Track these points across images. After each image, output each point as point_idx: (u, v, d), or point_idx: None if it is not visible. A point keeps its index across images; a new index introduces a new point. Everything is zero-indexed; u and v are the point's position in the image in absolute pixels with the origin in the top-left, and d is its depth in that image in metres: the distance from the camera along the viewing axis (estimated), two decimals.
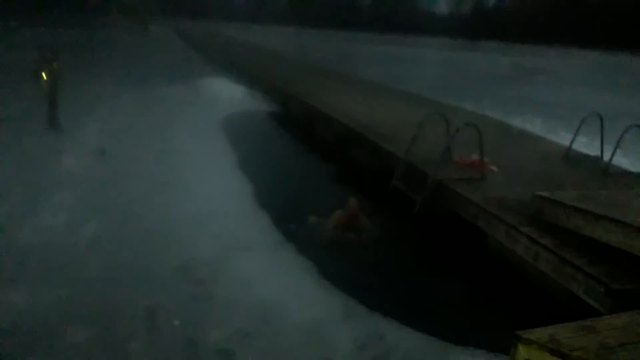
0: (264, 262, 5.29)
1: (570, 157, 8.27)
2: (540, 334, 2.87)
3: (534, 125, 13.74)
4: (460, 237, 6.13)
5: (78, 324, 4.21)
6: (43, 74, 9.70)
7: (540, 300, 4.80)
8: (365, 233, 6.20)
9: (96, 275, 4.89)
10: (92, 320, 4.25)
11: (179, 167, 8.21)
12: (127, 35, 44.87)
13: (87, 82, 15.87)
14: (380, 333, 4.31)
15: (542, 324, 3.18)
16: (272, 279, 4.93)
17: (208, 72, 21.66)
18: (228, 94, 16.26)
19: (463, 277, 5.50)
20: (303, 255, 5.51)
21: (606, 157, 7.83)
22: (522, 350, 2.83)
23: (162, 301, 4.54)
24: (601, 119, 8.08)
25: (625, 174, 7.60)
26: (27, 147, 8.57)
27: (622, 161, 8.43)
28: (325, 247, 5.92)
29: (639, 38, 71.79)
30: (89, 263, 5.11)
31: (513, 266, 5.29)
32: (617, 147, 7.34)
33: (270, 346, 4.03)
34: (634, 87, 30.11)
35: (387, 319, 4.50)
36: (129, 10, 63.62)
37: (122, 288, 4.71)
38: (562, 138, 10.26)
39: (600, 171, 7.57)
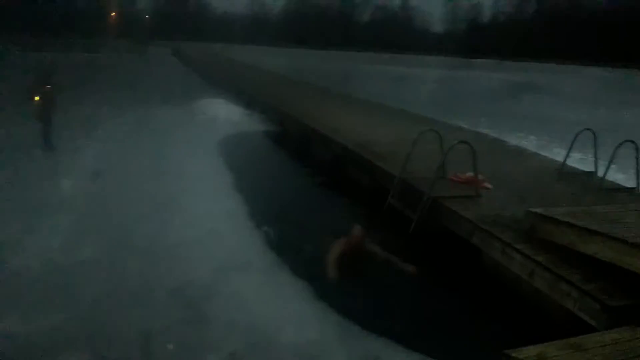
0: (259, 283, 5.27)
1: (564, 173, 8.30)
2: (528, 352, 2.87)
3: (529, 142, 13.84)
4: (456, 255, 6.12)
5: (71, 348, 4.19)
6: (36, 98, 9.82)
7: (537, 317, 4.77)
8: (371, 263, 5.88)
9: (90, 298, 4.88)
10: (85, 345, 4.23)
11: (175, 188, 8.21)
12: (125, 57, 45.29)
13: (84, 104, 16.00)
14: (375, 354, 4.28)
15: (539, 341, 3.17)
16: (266, 301, 4.91)
17: (205, 92, 21.79)
18: (225, 115, 16.34)
19: (459, 295, 5.46)
20: (298, 276, 5.49)
21: (600, 173, 7.86)
22: None
23: (156, 324, 4.51)
24: (594, 135, 8.13)
25: (619, 189, 7.62)
26: (22, 169, 8.60)
27: (617, 176, 8.45)
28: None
29: (633, 54, 72.67)
30: (83, 286, 5.09)
31: (509, 283, 5.28)
32: (610, 162, 7.37)
33: None
34: (628, 102, 30.32)
35: (382, 339, 4.47)
36: (127, 32, 64.37)
37: (116, 311, 4.69)
38: (557, 154, 10.31)
39: (594, 187, 7.59)
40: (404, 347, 4.36)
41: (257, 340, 4.29)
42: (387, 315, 4.96)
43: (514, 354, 2.85)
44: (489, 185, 7.17)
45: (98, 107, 15.68)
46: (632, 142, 7.42)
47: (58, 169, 8.93)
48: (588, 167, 8.64)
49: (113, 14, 68.75)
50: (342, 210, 8.35)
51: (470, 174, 7.01)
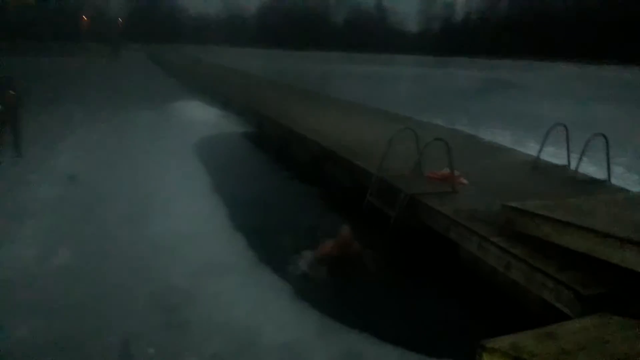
0: (239, 285, 5.25)
1: (538, 167, 8.46)
2: (502, 342, 2.93)
3: (504, 137, 14.04)
4: (434, 250, 6.19)
5: (49, 356, 4.12)
6: None
7: (514, 308, 4.86)
8: (358, 264, 5.83)
9: (68, 305, 4.80)
10: (64, 353, 4.16)
11: (152, 192, 8.13)
12: (98, 60, 44.63)
13: (56, 109, 15.72)
14: (357, 350, 4.30)
15: (517, 331, 3.23)
16: (247, 302, 4.89)
17: (181, 95, 21.60)
18: (201, 117, 16.24)
19: (438, 290, 5.53)
20: (278, 276, 5.49)
21: (573, 166, 8.04)
22: (486, 359, 2.88)
23: (135, 329, 4.46)
24: (566, 129, 8.30)
25: (591, 181, 7.80)
26: None
27: (589, 169, 8.64)
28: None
29: (604, 50, 74.43)
30: (60, 293, 5.01)
31: (486, 276, 5.36)
32: (582, 155, 7.54)
33: None
34: (599, 97, 31.02)
35: (364, 335, 4.50)
36: (100, 36, 63.42)
37: (94, 318, 4.62)
38: (531, 149, 10.50)
39: (567, 180, 7.75)
40: (385, 343, 4.40)
41: (238, 342, 4.28)
42: (368, 312, 5.00)
43: (489, 344, 2.91)
44: (465, 181, 7.27)
45: (70, 112, 15.42)
46: (603, 135, 7.61)
47: (30, 174, 8.75)
48: (561, 160, 8.82)
49: (85, 17, 67.69)
50: (321, 209, 8.37)
51: (446, 170, 7.10)
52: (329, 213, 8.17)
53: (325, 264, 5.65)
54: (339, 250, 5.77)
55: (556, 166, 8.73)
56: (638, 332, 3.12)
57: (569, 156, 8.47)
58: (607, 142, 7.67)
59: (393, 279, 5.78)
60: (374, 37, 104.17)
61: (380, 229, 6.61)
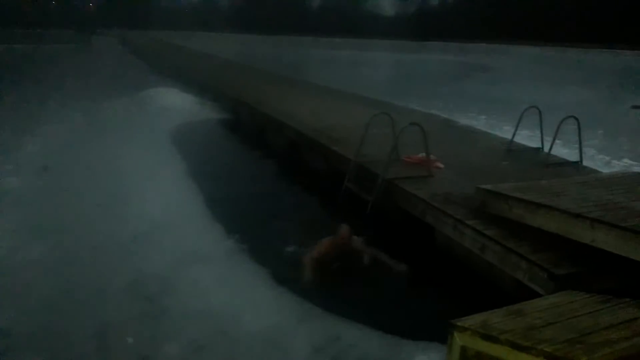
0: (217, 272, 5.22)
1: (513, 150, 8.59)
2: (473, 320, 2.99)
3: (479, 121, 14.21)
4: (411, 234, 6.26)
5: (25, 350, 4.06)
6: None
7: (489, 289, 4.95)
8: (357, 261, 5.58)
9: (43, 297, 4.73)
10: (39, 346, 4.10)
11: (127, 180, 8.02)
12: (69, 47, 43.54)
13: (28, 98, 15.34)
14: (336, 334, 4.34)
15: None
16: (225, 289, 4.87)
17: (155, 82, 21.23)
18: (176, 104, 16.01)
19: (415, 272, 5.59)
20: (256, 263, 5.49)
21: (547, 148, 8.18)
22: (457, 337, 2.95)
23: (113, 320, 4.43)
24: (539, 112, 8.42)
25: (564, 163, 7.94)
26: None
27: (562, 151, 8.81)
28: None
29: (577, 33, 75.60)
30: (35, 285, 4.93)
31: (462, 259, 5.45)
32: (555, 138, 7.66)
33: (225, 357, 4.00)
34: (571, 80, 31.52)
35: (343, 319, 4.54)
36: (70, 22, 61.82)
37: (70, 310, 4.56)
38: (506, 132, 10.63)
39: (540, 162, 7.88)
40: (363, 326, 4.44)
41: (217, 328, 4.27)
42: (346, 296, 5.04)
43: (459, 323, 2.97)
44: (441, 165, 7.34)
45: (40, 101, 15.06)
46: (575, 118, 7.74)
47: (3, 165, 8.54)
48: (535, 143, 8.96)
49: (55, 2, 65.84)
50: (299, 195, 8.38)
51: (422, 154, 7.16)
52: (306, 200, 8.18)
53: (323, 262, 5.41)
54: (338, 248, 5.52)
55: (530, 149, 8.86)
56: (602, 307, 3.22)
57: (542, 139, 8.61)
58: (579, 124, 7.81)
59: (371, 262, 5.81)
60: (350, 21, 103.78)
61: (358, 214, 6.64)
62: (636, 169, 9.05)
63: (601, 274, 4.22)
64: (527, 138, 9.60)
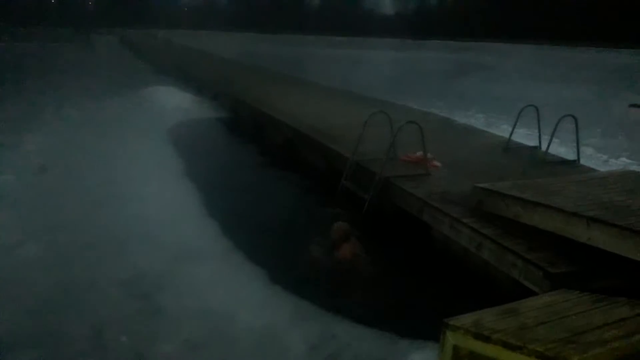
0: (213, 270, 5.22)
1: (510, 149, 8.58)
2: (466, 319, 2.98)
3: (477, 120, 14.20)
4: (407, 232, 6.25)
5: (21, 348, 4.05)
6: None
7: (485, 288, 4.94)
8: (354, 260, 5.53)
9: (39, 295, 4.71)
10: (35, 343, 4.09)
11: (125, 179, 8.01)
12: (68, 46, 43.47)
13: (25, 95, 15.31)
14: (332, 333, 4.33)
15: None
16: (221, 288, 4.88)
17: (154, 80, 21.19)
18: (175, 102, 15.96)
19: (411, 271, 5.58)
20: (253, 262, 5.48)
21: (544, 147, 8.16)
22: (449, 336, 2.94)
23: (108, 318, 4.42)
24: (537, 110, 8.41)
25: (561, 162, 7.94)
26: None
27: (559, 150, 8.80)
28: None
29: (577, 33, 75.64)
30: (31, 283, 4.92)
31: (458, 257, 5.44)
32: (552, 136, 7.65)
33: (221, 355, 3.99)
34: (569, 78, 31.50)
35: (338, 318, 4.53)
36: (69, 20, 61.74)
37: (66, 307, 4.55)
38: (504, 130, 10.63)
39: (538, 160, 7.87)
40: (359, 324, 4.44)
41: (212, 327, 4.27)
42: (342, 294, 5.04)
43: (451, 322, 2.96)
44: (438, 164, 7.33)
45: (40, 98, 15.03)
46: (572, 116, 7.73)
47: (1, 163, 8.53)
48: (533, 142, 8.95)
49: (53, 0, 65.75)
50: (296, 193, 8.36)
51: (420, 153, 7.15)
52: (303, 198, 8.17)
53: (320, 261, 5.45)
54: (335, 248, 5.49)
55: (527, 147, 8.85)
56: (596, 306, 3.21)
57: (540, 137, 8.61)
58: (576, 123, 7.81)
59: (367, 261, 5.80)
60: (349, 19, 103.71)
61: (355, 213, 6.63)
62: (634, 168, 9.04)
63: (597, 273, 4.22)
64: (525, 136, 9.59)
